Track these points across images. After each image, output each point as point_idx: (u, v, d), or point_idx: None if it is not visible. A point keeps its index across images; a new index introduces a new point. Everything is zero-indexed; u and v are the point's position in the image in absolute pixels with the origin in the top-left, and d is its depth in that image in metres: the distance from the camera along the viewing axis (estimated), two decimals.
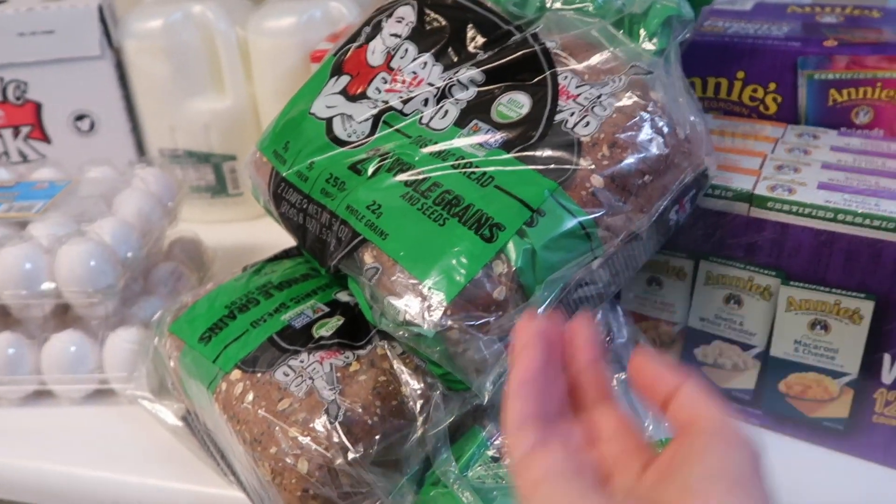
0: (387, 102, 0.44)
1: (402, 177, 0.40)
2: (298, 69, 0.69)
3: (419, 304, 0.35)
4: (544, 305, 0.36)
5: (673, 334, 0.48)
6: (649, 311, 0.48)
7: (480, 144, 0.40)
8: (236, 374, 0.41)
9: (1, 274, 0.49)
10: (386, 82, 0.45)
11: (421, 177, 0.39)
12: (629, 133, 0.37)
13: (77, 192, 0.57)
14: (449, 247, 0.36)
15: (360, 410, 0.37)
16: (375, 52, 0.47)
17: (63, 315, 0.54)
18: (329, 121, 0.45)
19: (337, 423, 0.37)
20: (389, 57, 0.46)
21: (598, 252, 0.37)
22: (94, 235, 0.51)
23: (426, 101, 0.43)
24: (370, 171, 0.41)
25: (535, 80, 0.41)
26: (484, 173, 0.38)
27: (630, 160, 0.37)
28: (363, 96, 0.45)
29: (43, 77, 0.69)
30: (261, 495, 0.40)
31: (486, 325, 0.35)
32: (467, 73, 0.42)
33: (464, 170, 0.39)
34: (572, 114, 0.38)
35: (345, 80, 0.47)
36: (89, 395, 0.53)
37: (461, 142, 0.40)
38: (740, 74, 0.51)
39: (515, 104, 0.40)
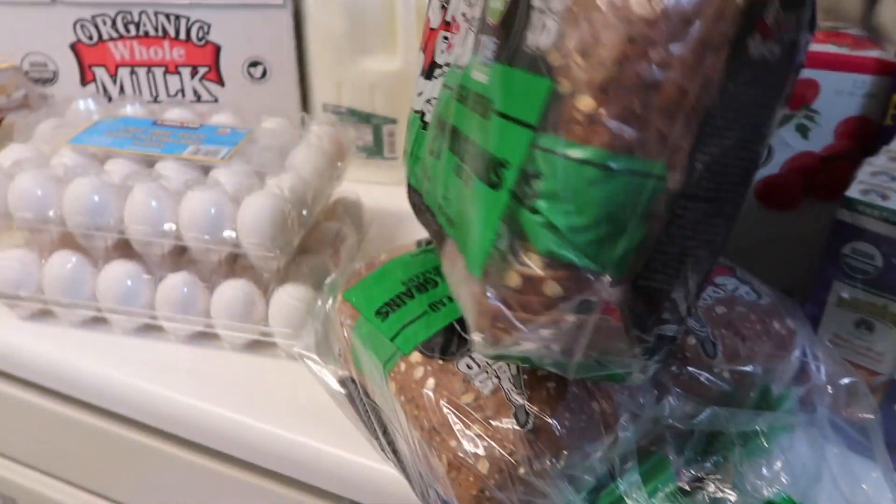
0: (448, 63, 0.38)
1: (450, 144, 0.34)
2: None
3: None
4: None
5: (873, 385, 0.44)
6: (849, 355, 0.44)
7: (483, 64, 0.31)
8: (416, 356, 0.41)
9: (188, 216, 0.50)
10: (446, 40, 0.39)
11: (458, 137, 0.32)
12: None
13: (256, 141, 0.58)
14: (473, 218, 0.29)
15: (549, 421, 0.36)
16: (433, 11, 0.41)
17: (233, 263, 0.55)
18: (421, 111, 0.43)
19: (524, 431, 0.36)
20: (444, 11, 0.40)
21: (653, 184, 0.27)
22: (277, 190, 0.51)
23: (464, 40, 0.35)
24: (441, 151, 0.36)
25: None
26: (485, 100, 0.30)
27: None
28: (434, 68, 0.41)
29: (225, 20, 0.70)
30: (425, 481, 0.40)
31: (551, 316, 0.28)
32: None
33: (473, 106, 0.31)
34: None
35: (420, 59, 0.44)
36: (250, 344, 0.54)
37: (475, 72, 0.32)
38: None
39: None
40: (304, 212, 0.52)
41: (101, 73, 0.72)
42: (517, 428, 0.36)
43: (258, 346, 0.54)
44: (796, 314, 0.43)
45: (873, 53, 0.50)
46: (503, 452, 0.36)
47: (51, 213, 0.52)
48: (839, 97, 0.50)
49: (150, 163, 0.56)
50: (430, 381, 0.39)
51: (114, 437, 0.56)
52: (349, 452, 0.47)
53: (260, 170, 0.55)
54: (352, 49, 0.71)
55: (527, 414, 0.36)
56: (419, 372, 0.40)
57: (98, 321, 0.56)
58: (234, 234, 0.50)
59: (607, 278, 0.27)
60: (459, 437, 0.37)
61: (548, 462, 0.36)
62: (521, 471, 0.35)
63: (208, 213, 0.50)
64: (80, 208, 0.51)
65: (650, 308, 0.29)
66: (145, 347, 0.55)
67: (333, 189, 0.60)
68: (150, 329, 0.55)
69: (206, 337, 0.55)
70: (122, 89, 0.73)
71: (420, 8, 0.69)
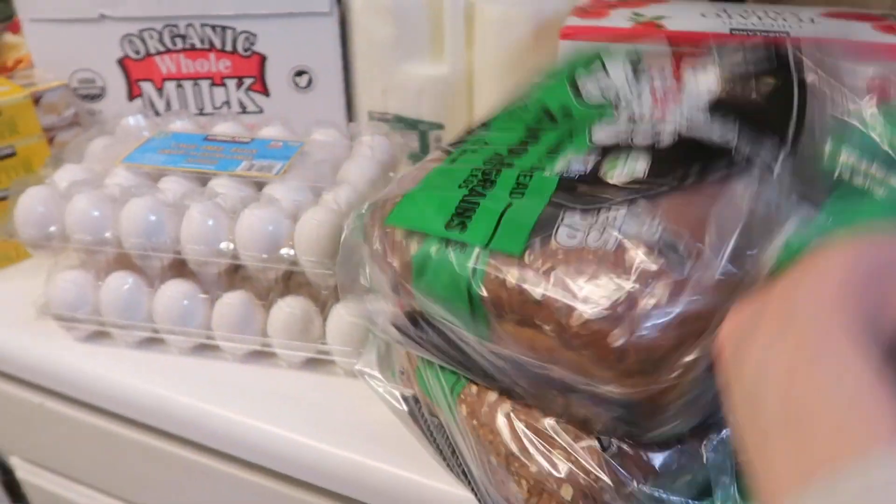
0: None
1: None
2: (526, 41, 0.65)
3: None
4: None
5: None
6: None
7: None
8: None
9: (245, 234, 0.49)
10: None
11: None
12: None
13: (308, 154, 0.57)
14: None
15: (629, 451, 0.34)
16: None
17: (288, 280, 0.54)
18: None
19: (609, 454, 0.34)
20: None
21: None
22: (334, 205, 0.50)
23: None
24: None
25: None
26: None
27: None
28: None
29: (271, 30, 0.69)
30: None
31: None
32: None
33: None
34: None
35: None
36: (307, 362, 0.53)
37: None
38: None
39: None
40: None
41: (147, 87, 0.72)
42: (601, 450, 0.34)
43: (316, 363, 0.53)
44: None
45: None
46: (587, 478, 0.34)
47: (107, 235, 0.52)
48: None
49: (203, 180, 0.55)
50: (506, 406, 0.38)
51: (171, 458, 0.56)
52: (411, 472, 0.46)
53: (314, 184, 0.53)
54: (398, 54, 0.69)
55: (609, 442, 0.34)
56: (492, 395, 0.38)
57: (154, 341, 0.55)
58: (291, 252, 0.49)
59: None
60: (540, 462, 0.35)
61: (634, 485, 0.34)
62: (607, 497, 0.34)
63: (266, 231, 0.49)
64: (136, 229, 0.50)
65: None
66: (202, 367, 0.54)
67: None
68: (207, 349, 0.54)
69: (262, 356, 0.54)
70: (168, 103, 0.73)
71: (468, 11, 0.67)
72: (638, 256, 0.30)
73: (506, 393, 0.38)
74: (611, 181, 0.35)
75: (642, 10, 0.56)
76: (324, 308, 0.52)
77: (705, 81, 0.39)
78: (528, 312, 0.32)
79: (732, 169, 0.33)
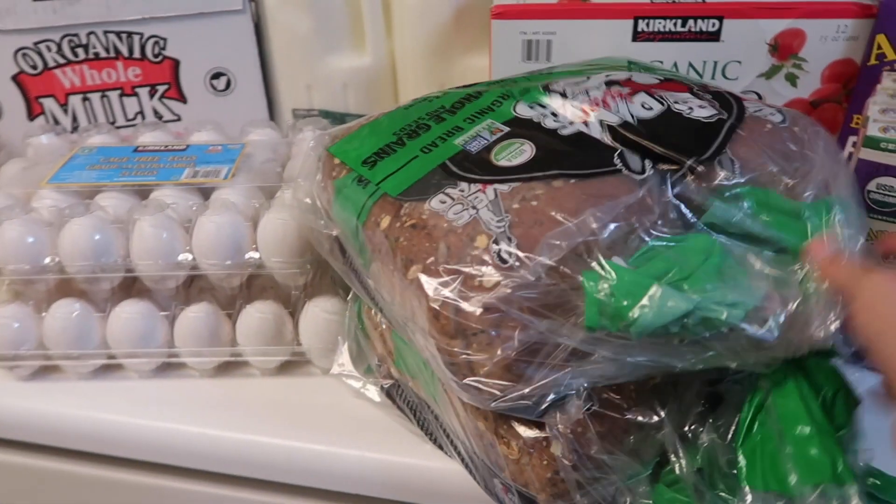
0: None
1: None
2: (447, 26, 0.66)
3: None
4: None
5: None
6: None
7: None
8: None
9: (205, 243, 0.47)
10: None
11: None
12: None
13: (251, 155, 0.55)
14: None
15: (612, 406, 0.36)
16: None
17: (250, 286, 0.52)
18: None
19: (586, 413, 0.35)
20: None
21: None
22: (292, 204, 0.49)
23: None
24: None
25: None
26: None
27: None
28: None
29: (182, 33, 0.66)
30: (489, 471, 0.39)
31: None
32: None
33: None
34: None
35: None
36: (281, 367, 0.52)
37: None
38: None
39: None
40: (322, 221, 0.50)
41: (49, 103, 0.67)
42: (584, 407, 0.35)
43: (290, 366, 0.52)
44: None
45: None
46: (574, 433, 0.35)
47: (47, 261, 0.48)
48: (824, 43, 0.53)
49: (143, 194, 0.52)
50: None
51: (142, 489, 0.53)
52: (401, 456, 0.46)
53: (265, 184, 0.52)
54: (318, 48, 0.68)
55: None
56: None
57: (109, 369, 0.52)
58: (256, 255, 0.48)
59: None
60: (528, 422, 0.36)
61: (613, 438, 0.35)
62: (594, 449, 0.35)
63: (227, 236, 0.47)
64: (81, 251, 0.47)
65: None
66: (168, 388, 0.51)
67: None
68: (170, 368, 0.52)
69: (231, 367, 0.52)
70: (75, 119, 0.68)
71: None
72: (479, 241, 0.34)
73: None
74: (497, 163, 0.38)
75: None
76: (293, 309, 0.51)
77: (648, 106, 0.42)
78: (386, 256, 0.37)
79: (614, 178, 0.36)
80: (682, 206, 0.34)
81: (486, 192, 0.36)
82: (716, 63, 0.54)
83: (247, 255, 0.48)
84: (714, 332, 0.29)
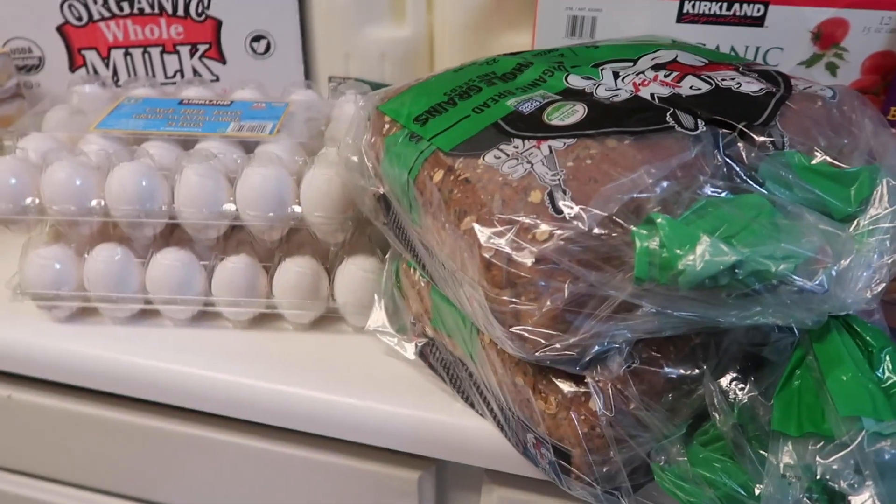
0: None
1: None
2: (489, 1, 0.66)
3: None
4: None
5: None
6: None
7: None
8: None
9: (249, 194, 0.48)
10: None
11: None
12: None
13: (294, 114, 0.56)
14: None
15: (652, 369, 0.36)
16: None
17: (292, 238, 0.53)
18: None
19: (627, 370, 0.36)
20: None
21: None
22: (336, 160, 0.49)
23: None
24: None
25: None
26: None
27: None
28: None
29: None
30: (523, 426, 0.40)
31: None
32: None
33: None
34: None
35: None
36: (314, 322, 0.53)
37: None
38: None
39: None
40: (362, 181, 0.51)
41: (91, 56, 0.67)
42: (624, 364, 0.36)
43: (323, 322, 0.53)
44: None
45: None
46: (614, 389, 0.36)
47: (93, 203, 0.49)
48: (866, 34, 0.53)
49: (187, 145, 0.53)
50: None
51: (170, 436, 0.54)
52: (430, 412, 0.47)
53: (309, 142, 0.53)
54: (358, 18, 0.69)
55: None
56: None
57: (146, 315, 0.53)
58: (298, 209, 0.49)
59: None
60: (566, 379, 0.37)
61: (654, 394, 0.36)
62: (633, 405, 0.36)
63: (271, 189, 0.48)
64: (127, 196, 0.48)
65: None
66: (203, 336, 0.52)
67: None
68: (205, 317, 0.53)
69: (265, 319, 0.53)
70: (115, 73, 0.69)
71: None
72: (533, 194, 0.35)
73: None
74: (550, 122, 0.39)
75: None
76: (330, 266, 0.52)
77: (696, 87, 0.42)
78: (440, 207, 0.38)
79: (668, 136, 0.36)
80: (735, 166, 0.35)
81: (540, 149, 0.36)
82: (758, 49, 0.55)
83: (289, 209, 0.48)
84: (764, 285, 0.30)
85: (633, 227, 0.32)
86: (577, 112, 0.39)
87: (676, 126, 0.36)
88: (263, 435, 0.52)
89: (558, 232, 0.33)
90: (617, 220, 0.32)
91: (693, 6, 0.54)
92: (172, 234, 0.53)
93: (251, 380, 0.49)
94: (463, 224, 0.36)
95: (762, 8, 0.53)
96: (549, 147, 0.36)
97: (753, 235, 0.31)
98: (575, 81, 0.43)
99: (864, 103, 0.40)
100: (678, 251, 0.30)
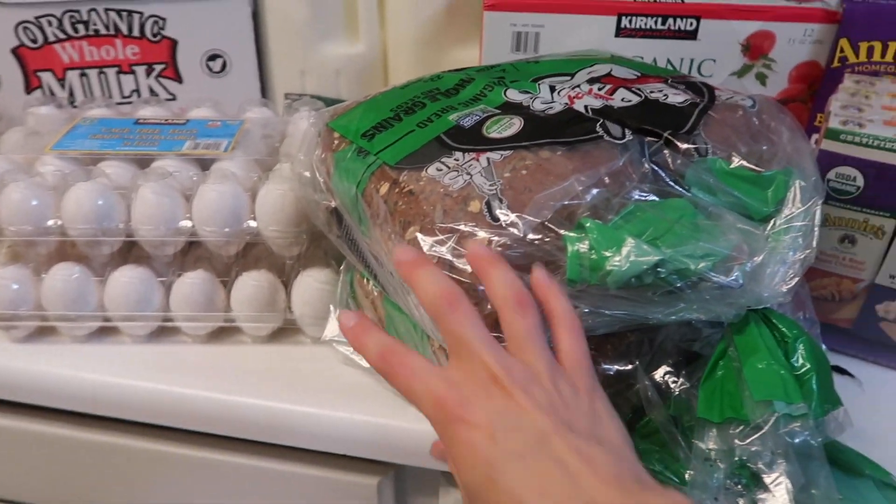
0: None
1: None
2: (439, 17, 0.68)
3: None
4: None
5: (855, 291, 0.50)
6: (835, 268, 0.50)
7: None
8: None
9: (205, 211, 0.49)
10: None
11: None
12: None
13: (249, 132, 0.57)
14: None
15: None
16: None
17: (248, 253, 0.54)
18: None
19: None
20: None
21: None
22: (290, 176, 0.51)
23: None
24: None
25: None
26: None
27: None
28: None
29: (181, 14, 0.68)
30: None
31: None
32: None
33: None
34: None
35: None
36: (272, 334, 0.54)
37: None
38: None
39: None
40: (321, 193, 0.52)
41: (47, 77, 0.68)
42: None
43: (281, 334, 0.54)
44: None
45: (817, 4, 0.56)
46: None
47: (50, 223, 0.50)
48: (792, 46, 0.57)
49: (143, 164, 0.54)
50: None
51: (138, 453, 0.55)
52: (389, 419, 0.48)
53: (264, 159, 0.54)
54: (313, 35, 0.71)
55: None
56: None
57: (105, 332, 0.54)
58: (254, 224, 0.50)
59: None
60: None
61: None
62: None
63: (227, 205, 0.49)
64: (84, 215, 0.49)
65: None
66: (162, 352, 0.53)
67: None
68: (164, 333, 0.54)
69: (223, 333, 0.54)
70: (71, 94, 0.69)
71: None
72: (472, 204, 0.37)
73: None
74: (488, 135, 0.41)
75: None
76: (287, 279, 0.53)
77: (627, 99, 0.44)
78: (386, 219, 0.40)
79: (597, 146, 0.39)
80: (661, 172, 0.37)
81: (479, 160, 0.38)
82: (692, 60, 0.58)
83: (245, 224, 0.50)
84: (686, 282, 0.32)
85: (563, 233, 0.34)
86: (514, 125, 0.41)
87: (605, 136, 0.39)
88: (224, 447, 0.53)
89: (496, 238, 0.35)
90: (550, 226, 0.34)
91: (630, 21, 0.57)
92: (130, 251, 0.54)
93: (210, 392, 0.50)
94: (407, 234, 0.38)
95: (694, 22, 0.56)
96: (488, 159, 0.38)
97: (676, 236, 0.33)
98: (513, 95, 0.45)
99: (782, 111, 0.43)
100: (606, 253, 0.32)
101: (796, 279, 0.34)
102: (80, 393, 0.52)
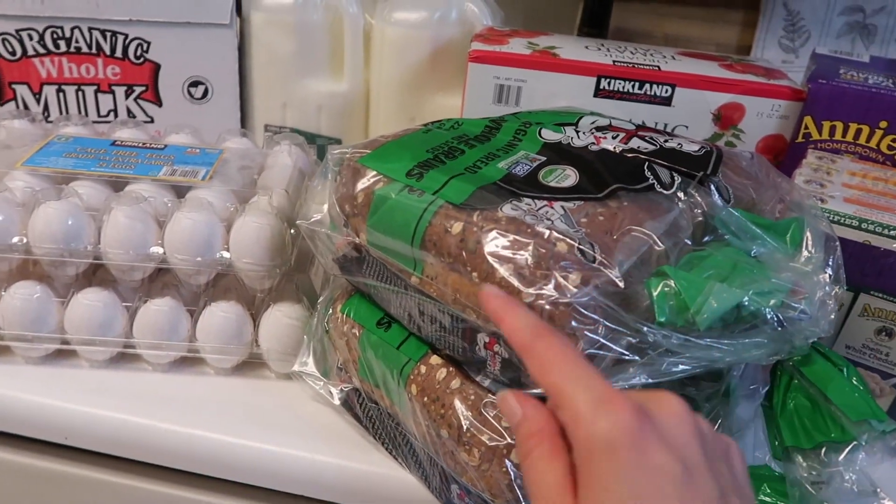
0: None
1: None
2: (423, 63, 0.70)
3: None
4: None
5: (885, 388, 0.52)
6: (868, 360, 0.52)
7: None
8: (435, 359, 0.43)
9: (178, 238, 0.49)
10: None
11: None
12: None
13: (228, 161, 0.57)
14: None
15: None
16: None
17: (218, 283, 0.53)
18: None
19: None
20: None
21: None
22: (268, 209, 0.51)
23: None
24: None
25: None
26: None
27: None
28: None
29: (166, 39, 0.68)
30: (446, 476, 0.42)
31: None
32: None
33: None
34: None
35: None
36: (236, 367, 0.53)
37: None
38: (883, 124, 0.56)
39: None
40: (292, 230, 0.52)
41: (22, 90, 0.67)
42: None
43: (246, 367, 0.53)
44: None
45: (784, 82, 0.59)
46: None
47: (15, 240, 0.48)
48: (760, 119, 0.59)
49: (119, 185, 0.53)
50: (456, 382, 0.42)
51: (92, 483, 0.52)
52: (353, 462, 0.47)
53: (242, 189, 0.54)
54: (298, 70, 0.71)
55: None
56: (442, 372, 0.42)
57: (62, 355, 0.52)
58: (227, 255, 0.49)
59: None
60: (491, 432, 0.39)
61: None
62: None
63: (200, 234, 0.49)
64: (52, 234, 0.48)
65: None
66: (119, 378, 0.52)
67: None
68: (124, 359, 0.52)
69: (186, 363, 0.53)
70: (46, 109, 0.68)
71: (367, 31, 0.71)
72: (563, 246, 0.37)
73: (453, 369, 0.42)
74: (548, 184, 0.41)
75: (535, 41, 0.63)
76: (256, 312, 0.52)
77: (643, 149, 0.46)
78: (462, 259, 0.38)
79: (650, 193, 0.41)
80: (707, 219, 0.40)
81: (553, 208, 0.39)
82: (665, 125, 0.60)
83: (218, 255, 0.49)
84: (760, 318, 0.35)
85: (647, 279, 0.36)
86: (570, 177, 0.42)
87: (656, 183, 0.41)
88: (180, 481, 0.52)
89: (593, 281, 0.35)
90: (634, 272, 0.36)
91: (608, 83, 0.59)
92: (95, 273, 0.53)
93: (167, 424, 0.49)
94: (498, 274, 0.36)
95: (670, 89, 0.59)
96: (563, 207, 0.39)
97: (741, 277, 0.36)
98: (549, 135, 0.46)
99: (771, 165, 0.46)
100: (695, 296, 0.34)
101: (835, 311, 0.37)
102: (30, 417, 0.50)
